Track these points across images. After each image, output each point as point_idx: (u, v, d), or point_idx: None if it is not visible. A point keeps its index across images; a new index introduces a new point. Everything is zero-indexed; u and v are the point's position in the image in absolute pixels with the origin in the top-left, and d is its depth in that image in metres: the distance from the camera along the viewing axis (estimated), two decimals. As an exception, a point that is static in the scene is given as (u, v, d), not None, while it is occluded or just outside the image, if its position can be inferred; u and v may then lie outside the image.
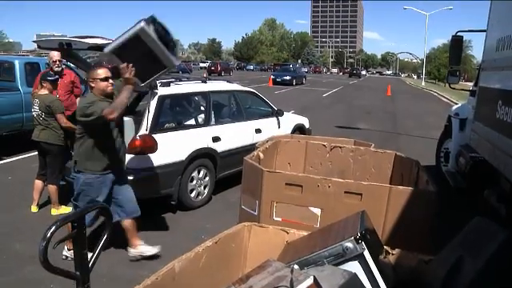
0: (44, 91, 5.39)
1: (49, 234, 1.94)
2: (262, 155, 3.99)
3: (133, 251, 4.32)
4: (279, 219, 3.34)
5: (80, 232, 2.15)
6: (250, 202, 3.56)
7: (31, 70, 8.59)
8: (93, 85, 3.95)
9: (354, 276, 2.03)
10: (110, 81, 3.98)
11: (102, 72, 3.97)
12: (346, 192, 3.24)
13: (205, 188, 6.00)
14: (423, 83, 57.69)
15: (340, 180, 3.33)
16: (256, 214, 3.45)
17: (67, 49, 5.13)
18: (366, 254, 2.21)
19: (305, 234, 2.66)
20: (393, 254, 2.59)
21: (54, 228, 1.96)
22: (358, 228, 2.29)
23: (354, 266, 2.20)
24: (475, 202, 5.45)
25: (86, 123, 3.85)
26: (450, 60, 7.11)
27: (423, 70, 65.99)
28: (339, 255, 2.23)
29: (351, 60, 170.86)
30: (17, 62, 8.80)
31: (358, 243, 2.20)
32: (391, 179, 4.35)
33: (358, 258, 2.22)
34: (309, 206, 3.29)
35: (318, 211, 3.27)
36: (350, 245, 2.20)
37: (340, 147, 4.74)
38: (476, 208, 4.86)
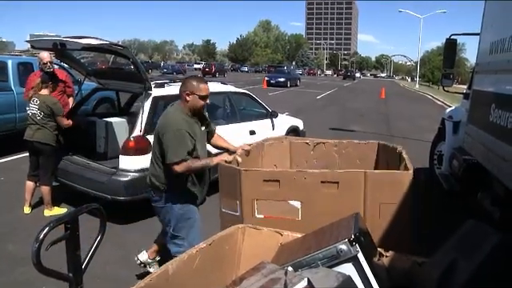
0: (45, 91, 5.38)
1: (42, 236, 1.93)
2: (239, 159, 3.85)
3: (144, 258, 4.03)
4: (261, 216, 3.34)
5: (73, 233, 2.14)
6: (230, 204, 3.56)
7: (24, 70, 8.50)
8: (188, 98, 3.48)
9: (348, 278, 2.03)
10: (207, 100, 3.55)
11: (205, 89, 3.56)
12: (322, 182, 3.25)
13: (198, 190, 5.97)
14: (417, 86, 58.00)
15: (315, 171, 3.35)
16: (238, 214, 3.45)
17: (61, 49, 5.11)
18: (360, 256, 2.20)
19: (299, 235, 2.66)
20: (386, 256, 2.59)
21: (47, 229, 1.95)
22: (351, 230, 2.29)
23: (347, 269, 2.19)
24: (468, 204, 5.48)
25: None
26: (444, 63, 7.15)
27: (417, 72, 66.38)
28: (333, 257, 2.22)
29: (345, 62, 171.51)
30: (10, 62, 8.73)
31: (351, 245, 2.20)
32: (377, 168, 4.38)
33: (351, 261, 2.21)
34: (288, 199, 3.30)
35: (297, 204, 3.28)
36: (343, 247, 2.20)
37: (323, 143, 4.76)
38: (469, 211, 4.88)
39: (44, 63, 6.40)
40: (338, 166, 4.54)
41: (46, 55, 6.37)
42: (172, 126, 3.38)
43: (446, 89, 7.31)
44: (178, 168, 3.27)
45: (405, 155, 3.75)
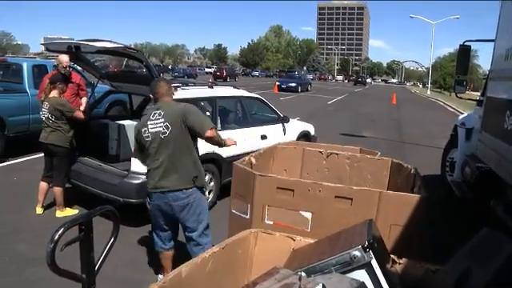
0: (54, 94, 5.42)
1: (56, 237, 1.94)
2: (253, 160, 3.96)
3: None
4: (271, 222, 3.34)
5: (87, 235, 2.15)
6: (240, 206, 3.57)
7: (39, 72, 8.61)
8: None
9: (362, 285, 2.02)
10: None
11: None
12: (336, 196, 3.23)
13: (209, 193, 5.99)
14: (429, 92, 57.62)
15: (330, 184, 3.33)
16: (248, 217, 3.45)
17: (76, 52, 5.16)
18: (374, 262, 2.19)
19: (311, 241, 2.65)
20: (400, 264, 2.58)
21: (61, 230, 1.97)
22: (365, 236, 2.27)
23: (361, 275, 2.18)
24: (481, 212, 5.43)
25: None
26: (457, 69, 7.11)
27: (429, 78, 65.85)
28: (346, 263, 2.21)
29: (356, 68, 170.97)
30: (25, 65, 8.86)
31: (365, 252, 2.18)
32: (388, 186, 4.34)
33: (365, 267, 2.20)
34: (300, 210, 3.29)
35: (308, 215, 3.27)
36: (357, 253, 2.19)
37: (336, 154, 4.73)
38: (482, 218, 4.83)
39: (63, 66, 6.46)
40: (349, 179, 4.52)
41: (65, 58, 6.37)
42: (189, 107, 3.64)
43: (458, 95, 7.26)
44: (213, 133, 3.51)
45: (419, 177, 3.70)
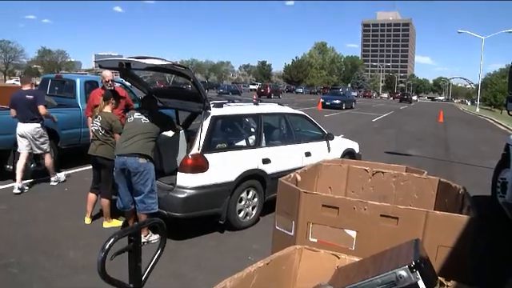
0: (107, 108, 5.63)
1: (107, 246, 2.00)
2: (299, 177, 3.96)
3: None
4: (315, 240, 3.31)
5: (136, 246, 2.21)
6: (285, 223, 3.56)
7: (90, 87, 8.93)
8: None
9: (408, 306, 1.98)
10: None
11: None
12: (382, 215, 3.17)
13: (253, 209, 6.02)
14: (478, 109, 55.79)
15: (376, 203, 3.27)
16: (292, 234, 3.44)
17: (126, 68, 5.34)
18: (421, 283, 2.14)
19: (356, 259, 2.62)
20: (447, 286, 2.50)
21: (112, 240, 2.03)
22: (412, 256, 2.23)
23: (406, 296, 2.14)
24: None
25: None
26: (509, 86, 6.89)
27: (478, 95, 63.83)
28: (392, 283, 2.17)
29: (402, 85, 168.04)
30: (78, 81, 9.26)
31: (412, 272, 2.14)
32: (435, 206, 4.22)
33: (411, 288, 2.16)
34: (344, 228, 3.25)
35: (353, 234, 3.23)
36: (403, 273, 2.14)
37: (382, 172, 4.64)
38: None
39: (106, 81, 6.75)
40: (395, 198, 4.43)
41: (108, 73, 6.73)
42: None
43: (511, 113, 7.02)
44: None
45: (468, 198, 3.59)
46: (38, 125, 7.21)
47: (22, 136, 7.15)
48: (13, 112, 7.17)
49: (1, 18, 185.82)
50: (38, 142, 7.25)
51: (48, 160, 7.50)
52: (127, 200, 5.25)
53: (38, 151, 7.36)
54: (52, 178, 7.64)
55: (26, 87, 7.28)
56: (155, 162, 6.43)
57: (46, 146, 7.40)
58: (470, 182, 7.53)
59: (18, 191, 6.99)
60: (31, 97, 7.12)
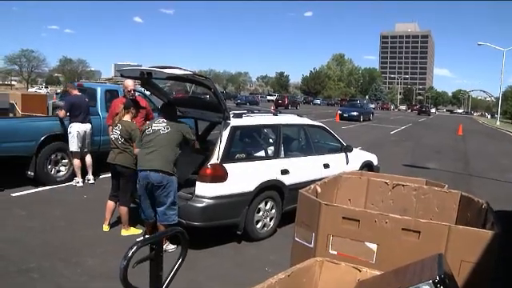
0: (127, 117, 5.69)
1: (130, 254, 2.01)
2: (319, 189, 3.95)
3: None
4: (335, 252, 3.29)
5: (157, 254, 2.21)
6: (305, 235, 3.55)
7: (110, 96, 9.06)
8: None
9: (432, 322, 1.94)
10: None
11: None
12: (403, 229, 3.15)
13: (271, 220, 6.00)
14: (498, 123, 55.03)
15: (397, 216, 3.25)
16: (312, 246, 3.42)
17: (147, 78, 5.39)
18: (444, 299, 2.10)
19: (377, 273, 2.59)
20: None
21: (134, 248, 2.04)
22: (436, 271, 2.19)
23: (430, 312, 2.10)
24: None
25: None
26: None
27: (498, 108, 62.93)
28: (414, 298, 2.14)
29: (420, 97, 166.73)
30: (99, 89, 9.39)
31: (435, 287, 2.10)
32: (456, 220, 4.16)
33: (434, 304, 2.11)
34: (365, 241, 3.23)
35: (374, 247, 3.21)
36: (427, 288, 2.11)
37: (402, 185, 4.59)
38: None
39: (128, 90, 6.85)
40: (415, 212, 4.39)
41: (130, 83, 6.83)
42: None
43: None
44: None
45: (491, 212, 3.53)
46: (91, 125, 8.26)
47: (78, 136, 7.96)
48: (63, 113, 7.98)
49: (25, 29, 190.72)
50: (88, 141, 8.22)
51: (89, 159, 8.31)
52: (150, 211, 5.28)
53: (86, 149, 8.20)
54: (87, 177, 8.34)
55: (75, 92, 8.30)
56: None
57: (90, 146, 8.31)
58: (490, 196, 7.36)
59: (82, 184, 8.12)
60: (88, 100, 8.28)
